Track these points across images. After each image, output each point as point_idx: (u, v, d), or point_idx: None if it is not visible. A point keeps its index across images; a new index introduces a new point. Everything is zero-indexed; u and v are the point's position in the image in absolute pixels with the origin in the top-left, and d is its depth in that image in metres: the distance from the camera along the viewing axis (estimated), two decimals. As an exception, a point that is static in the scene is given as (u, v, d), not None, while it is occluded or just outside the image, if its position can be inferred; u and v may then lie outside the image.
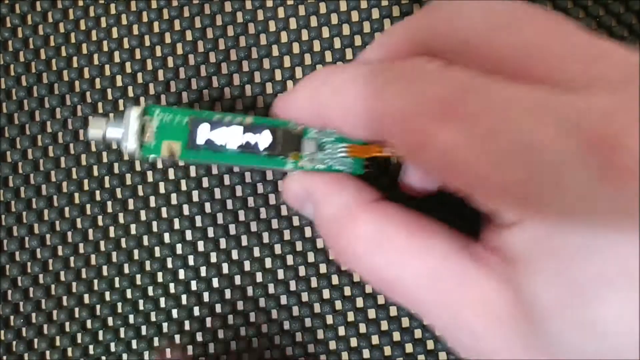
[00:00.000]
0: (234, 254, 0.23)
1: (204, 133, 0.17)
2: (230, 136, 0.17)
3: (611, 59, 0.13)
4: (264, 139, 0.17)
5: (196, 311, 0.23)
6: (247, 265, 0.23)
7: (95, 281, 0.23)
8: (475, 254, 0.14)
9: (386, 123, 0.13)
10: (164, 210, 0.23)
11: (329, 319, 0.23)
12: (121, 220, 0.23)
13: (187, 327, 0.23)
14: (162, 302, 0.23)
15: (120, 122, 0.18)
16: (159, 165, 0.23)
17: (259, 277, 0.23)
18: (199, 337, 0.23)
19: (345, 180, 0.17)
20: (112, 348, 0.23)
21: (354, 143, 0.18)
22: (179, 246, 0.23)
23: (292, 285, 0.23)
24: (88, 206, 0.23)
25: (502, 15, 0.14)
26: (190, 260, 0.23)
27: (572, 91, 0.12)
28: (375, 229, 0.15)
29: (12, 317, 0.23)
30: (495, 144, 0.12)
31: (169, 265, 0.23)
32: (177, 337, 0.23)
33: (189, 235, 0.23)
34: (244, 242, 0.23)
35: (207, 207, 0.23)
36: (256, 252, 0.23)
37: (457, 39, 0.14)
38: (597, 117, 0.11)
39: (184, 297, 0.23)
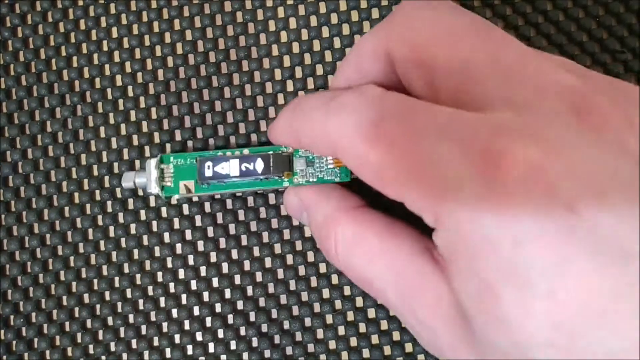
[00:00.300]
0: (234, 254, 0.23)
1: (209, 169, 0.21)
2: (231, 167, 0.21)
3: (531, 80, 0.14)
4: (258, 165, 0.21)
5: (196, 311, 0.23)
6: (247, 265, 0.23)
7: (95, 281, 0.23)
8: (436, 256, 0.15)
9: (338, 146, 0.16)
10: (163, 210, 0.23)
11: (329, 319, 0.23)
12: (121, 220, 0.23)
13: (187, 326, 0.23)
14: (162, 301, 0.23)
15: (144, 172, 0.22)
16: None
17: (258, 276, 0.23)
18: (199, 337, 0.23)
19: (331, 191, 0.19)
20: (112, 348, 0.23)
21: None
22: (178, 246, 0.23)
23: (292, 285, 0.23)
24: (88, 206, 0.23)
25: (443, 29, 0.16)
26: (190, 260, 0.23)
27: (483, 110, 0.14)
28: (353, 234, 0.17)
29: (12, 317, 0.23)
30: (409, 161, 0.14)
31: (169, 265, 0.23)
32: (177, 337, 0.23)
33: (188, 235, 0.23)
34: (244, 242, 0.23)
35: (207, 206, 0.23)
36: (256, 251, 0.23)
37: (408, 50, 0.16)
38: (489, 135, 0.13)
39: (184, 297, 0.23)
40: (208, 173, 0.21)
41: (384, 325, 0.23)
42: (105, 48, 0.24)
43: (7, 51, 0.24)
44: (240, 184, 0.21)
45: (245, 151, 0.22)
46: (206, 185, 0.21)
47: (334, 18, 0.24)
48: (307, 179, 0.21)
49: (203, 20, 0.24)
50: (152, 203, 0.23)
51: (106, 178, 0.23)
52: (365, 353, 0.23)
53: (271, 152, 0.21)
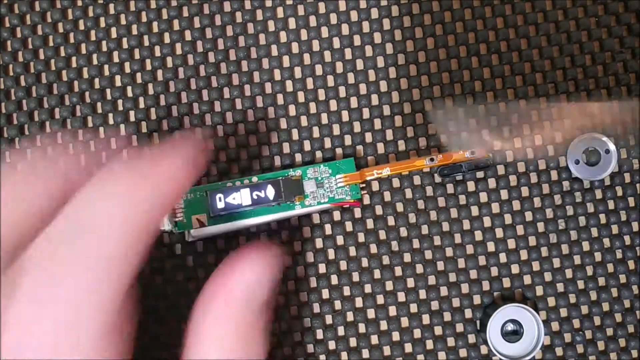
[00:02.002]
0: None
1: (221, 201, 0.21)
2: (242, 197, 0.21)
3: None
4: (269, 192, 0.21)
5: (196, 311, 0.23)
6: (246, 266, 0.23)
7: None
8: None
9: None
10: (163, 210, 0.23)
11: (329, 319, 0.23)
12: (120, 220, 0.23)
13: (186, 327, 0.23)
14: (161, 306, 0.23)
15: None
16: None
17: (258, 277, 0.23)
18: (199, 337, 0.23)
19: None
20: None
21: (348, 172, 0.22)
22: (178, 247, 0.23)
23: (292, 286, 0.23)
24: (87, 206, 0.23)
25: None
26: (190, 261, 0.23)
27: None
28: None
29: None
30: None
31: (168, 266, 0.23)
32: (176, 338, 0.23)
33: (186, 234, 0.23)
34: (243, 243, 0.23)
35: (207, 207, 0.23)
36: (256, 252, 0.23)
37: None
38: None
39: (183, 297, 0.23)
40: (220, 205, 0.21)
41: (383, 325, 0.23)
42: (104, 48, 0.24)
43: (6, 51, 0.24)
44: (252, 212, 0.22)
45: (254, 179, 0.22)
46: (219, 217, 0.22)
47: (334, 18, 0.24)
48: (319, 200, 0.22)
49: (202, 20, 0.24)
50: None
51: (105, 178, 0.23)
52: (365, 353, 0.23)
53: (281, 178, 0.21)
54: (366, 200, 0.23)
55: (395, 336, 0.23)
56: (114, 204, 0.15)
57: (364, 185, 0.23)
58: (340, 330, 0.23)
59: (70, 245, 0.15)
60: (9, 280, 0.15)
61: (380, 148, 0.23)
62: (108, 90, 0.24)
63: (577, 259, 0.23)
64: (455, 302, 0.23)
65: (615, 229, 0.23)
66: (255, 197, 0.21)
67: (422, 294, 0.23)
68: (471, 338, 0.23)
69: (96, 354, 0.15)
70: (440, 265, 0.23)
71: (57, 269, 0.15)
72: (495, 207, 0.23)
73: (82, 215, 0.15)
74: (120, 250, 0.15)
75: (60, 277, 0.14)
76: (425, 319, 0.23)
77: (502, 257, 0.23)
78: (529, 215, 0.23)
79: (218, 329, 0.17)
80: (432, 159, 0.22)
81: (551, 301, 0.23)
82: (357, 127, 0.24)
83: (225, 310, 0.17)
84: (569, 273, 0.23)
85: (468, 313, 0.23)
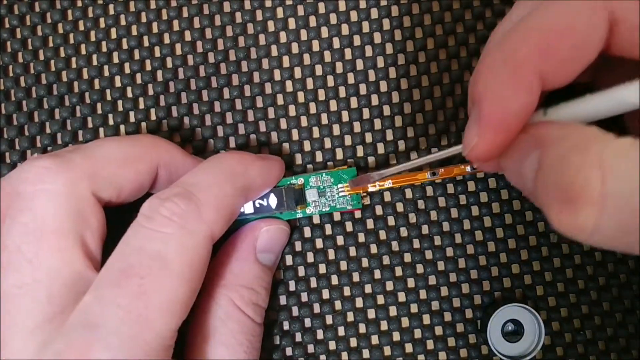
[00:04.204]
0: (234, 255, 0.23)
1: None
2: (245, 205, 0.21)
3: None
4: (272, 201, 0.21)
5: (196, 312, 0.23)
6: (246, 266, 0.23)
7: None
8: None
9: None
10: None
11: (329, 319, 0.23)
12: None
13: (186, 327, 0.23)
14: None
15: None
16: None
17: (258, 277, 0.23)
18: (199, 337, 0.23)
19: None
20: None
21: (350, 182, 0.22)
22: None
23: (292, 286, 0.23)
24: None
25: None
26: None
27: None
28: None
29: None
30: None
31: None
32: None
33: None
34: (244, 243, 0.23)
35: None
36: (256, 252, 0.23)
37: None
38: None
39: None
40: None
41: (384, 325, 0.23)
42: (104, 49, 0.24)
43: (6, 52, 0.24)
44: (255, 219, 0.22)
45: None
46: None
47: (333, 18, 0.24)
48: (320, 208, 0.22)
49: (202, 21, 0.24)
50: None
51: (105, 179, 0.23)
52: (365, 353, 0.23)
53: (283, 187, 0.21)
54: (366, 200, 0.23)
55: (396, 336, 0.23)
56: (218, 172, 0.19)
57: (365, 194, 0.23)
58: (341, 330, 0.23)
59: (184, 200, 0.18)
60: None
61: (380, 148, 0.23)
62: (108, 91, 0.24)
63: (577, 259, 0.23)
64: (456, 302, 0.23)
65: (615, 229, 0.23)
66: (257, 205, 0.21)
67: (423, 294, 0.23)
68: (471, 338, 0.23)
69: None
70: (441, 265, 0.23)
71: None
72: (496, 207, 0.23)
73: (192, 180, 0.19)
74: (213, 215, 0.18)
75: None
76: (426, 319, 0.23)
77: (502, 257, 0.23)
78: (529, 215, 0.23)
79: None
80: (434, 173, 0.22)
81: (552, 301, 0.23)
82: (357, 127, 0.24)
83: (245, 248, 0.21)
84: (569, 273, 0.23)
85: (468, 313, 0.23)
